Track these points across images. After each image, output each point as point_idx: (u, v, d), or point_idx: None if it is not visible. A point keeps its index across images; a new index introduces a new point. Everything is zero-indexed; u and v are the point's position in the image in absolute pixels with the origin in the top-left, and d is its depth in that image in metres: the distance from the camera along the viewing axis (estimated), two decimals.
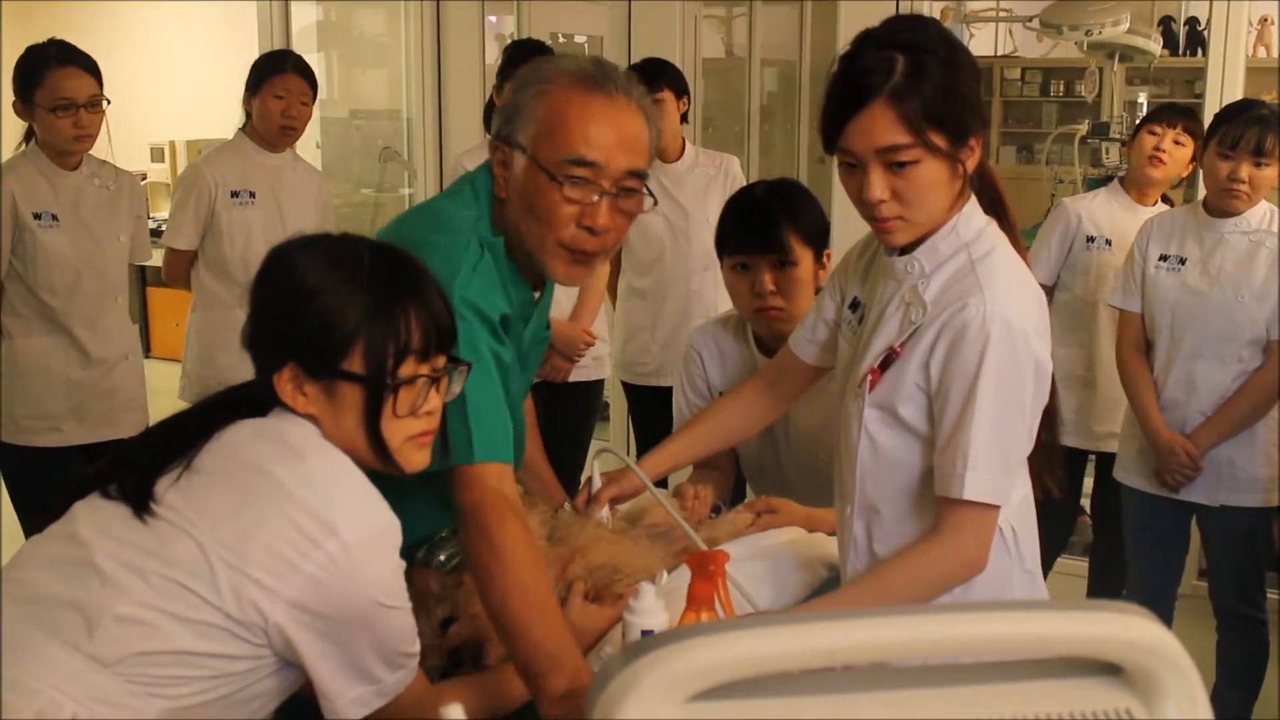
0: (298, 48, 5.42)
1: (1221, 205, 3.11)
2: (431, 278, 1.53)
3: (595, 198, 1.72)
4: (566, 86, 1.73)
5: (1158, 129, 3.56)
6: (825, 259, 2.41)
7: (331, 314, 1.45)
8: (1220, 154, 3.05)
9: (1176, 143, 3.54)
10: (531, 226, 1.76)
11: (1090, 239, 3.59)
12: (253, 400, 1.49)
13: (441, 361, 1.53)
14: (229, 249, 3.72)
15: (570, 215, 1.73)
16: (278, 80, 3.71)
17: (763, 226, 2.34)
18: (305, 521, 1.36)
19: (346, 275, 1.46)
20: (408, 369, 1.48)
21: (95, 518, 1.42)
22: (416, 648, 1.49)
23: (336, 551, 1.36)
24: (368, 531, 1.40)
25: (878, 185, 1.67)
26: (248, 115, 3.82)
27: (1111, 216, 3.62)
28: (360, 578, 1.38)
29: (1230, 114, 3.11)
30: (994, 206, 1.82)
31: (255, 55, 5.51)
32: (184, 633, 1.34)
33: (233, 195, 3.74)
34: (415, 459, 1.53)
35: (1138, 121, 3.85)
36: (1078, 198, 3.82)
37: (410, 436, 1.51)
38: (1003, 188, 1.85)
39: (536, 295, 1.92)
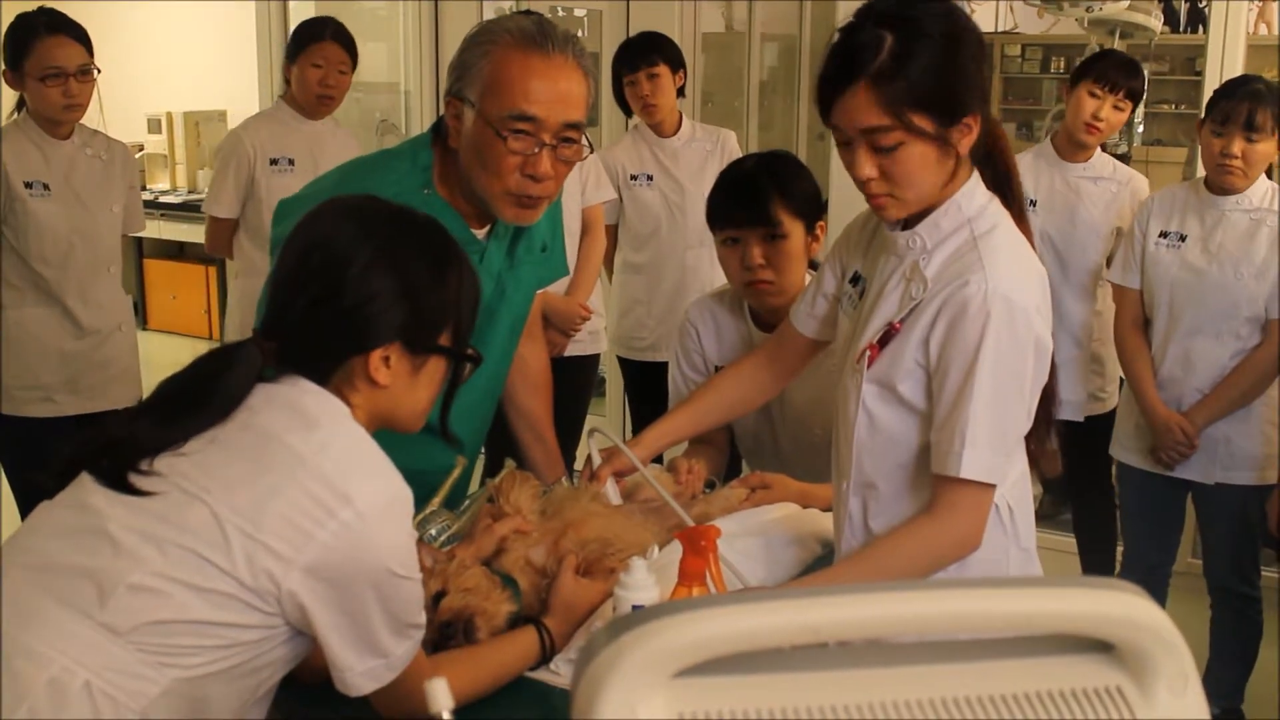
0: (295, 19, 5.38)
1: (1218, 182, 3.09)
2: None
3: (536, 149, 1.89)
4: (508, 46, 1.88)
5: (1098, 91, 3.44)
6: (819, 231, 2.39)
7: (442, 300, 1.54)
8: (1213, 130, 3.04)
9: (1116, 108, 3.45)
10: (480, 174, 1.93)
11: None
12: (256, 365, 1.48)
13: None
14: (269, 217, 3.71)
15: (514, 164, 1.90)
16: (316, 49, 3.71)
17: (752, 199, 2.32)
18: (320, 490, 1.36)
19: (443, 260, 1.55)
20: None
21: (103, 485, 1.41)
22: (424, 619, 1.50)
23: (351, 520, 1.36)
24: (381, 500, 1.40)
25: (865, 164, 1.67)
26: (286, 83, 3.84)
27: (1038, 176, 3.54)
28: (374, 546, 1.39)
29: (1225, 91, 3.08)
30: (999, 183, 1.79)
31: (253, 26, 5.51)
32: (197, 602, 1.34)
33: (271, 163, 3.75)
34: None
35: (1075, 69, 3.61)
36: None
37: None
38: (1013, 164, 1.82)
39: (481, 233, 2.05)
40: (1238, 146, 3.00)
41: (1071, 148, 3.55)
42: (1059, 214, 3.48)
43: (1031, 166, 3.51)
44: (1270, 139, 3.00)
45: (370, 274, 1.48)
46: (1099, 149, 3.59)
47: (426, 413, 1.59)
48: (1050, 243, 3.46)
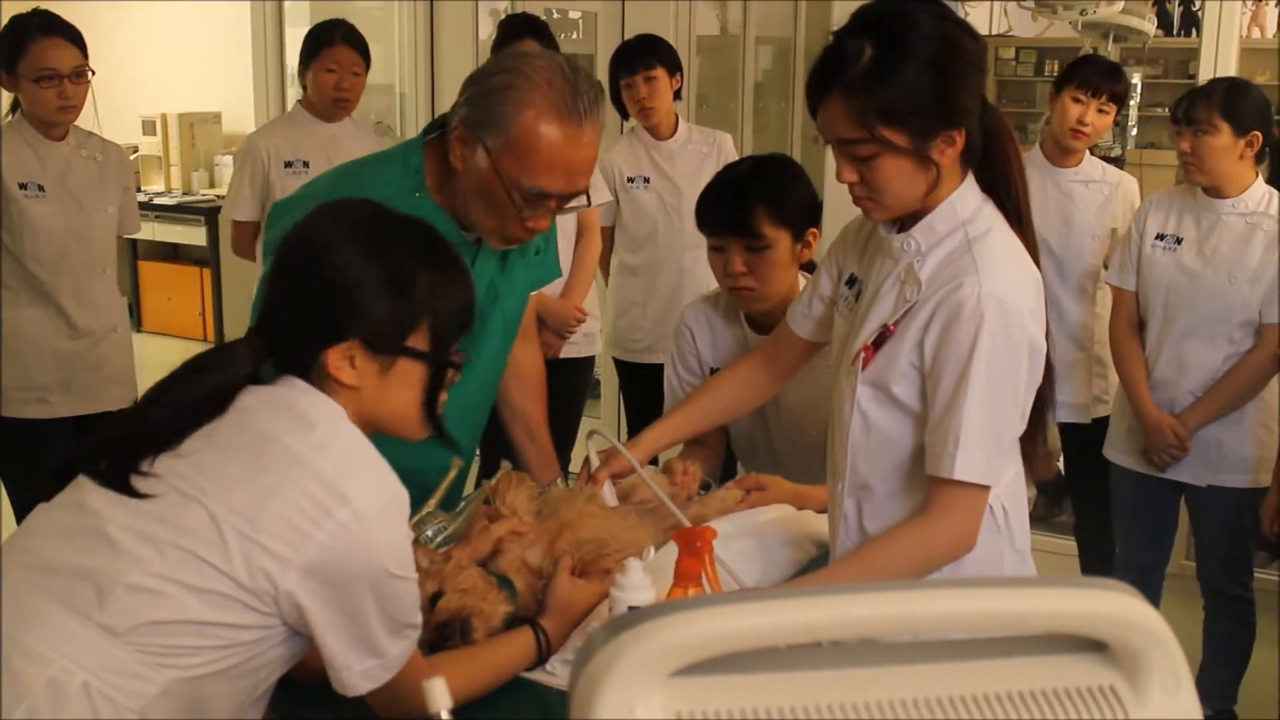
0: (290, 21, 5.38)
1: (1189, 182, 3.12)
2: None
3: (544, 214, 1.91)
4: (540, 114, 1.82)
5: (1082, 96, 3.44)
6: (810, 238, 2.39)
7: (409, 302, 1.49)
8: (1175, 131, 3.08)
9: (1100, 111, 3.46)
10: (479, 210, 1.92)
11: None
12: (247, 363, 1.48)
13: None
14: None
15: (518, 219, 1.90)
16: (328, 53, 3.73)
17: (735, 209, 2.32)
18: (317, 490, 1.37)
19: (414, 255, 1.51)
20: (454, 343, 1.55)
21: (104, 487, 1.41)
22: (419, 619, 1.51)
23: (349, 520, 1.37)
24: (379, 500, 1.41)
25: (845, 169, 1.70)
26: (304, 88, 3.86)
27: (1030, 182, 3.53)
28: (371, 546, 1.39)
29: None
30: (993, 187, 1.78)
31: (248, 28, 5.50)
32: (195, 602, 1.35)
33: (286, 165, 3.78)
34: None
35: (1058, 76, 3.63)
36: None
37: (442, 405, 1.58)
38: (1015, 167, 1.79)
39: (473, 236, 2.02)
40: (1188, 143, 3.04)
41: (1060, 153, 3.56)
42: (1053, 218, 3.49)
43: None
44: (1219, 134, 3.01)
45: (343, 269, 1.48)
46: (1087, 152, 3.61)
47: (417, 419, 1.56)
48: (1046, 247, 3.47)
